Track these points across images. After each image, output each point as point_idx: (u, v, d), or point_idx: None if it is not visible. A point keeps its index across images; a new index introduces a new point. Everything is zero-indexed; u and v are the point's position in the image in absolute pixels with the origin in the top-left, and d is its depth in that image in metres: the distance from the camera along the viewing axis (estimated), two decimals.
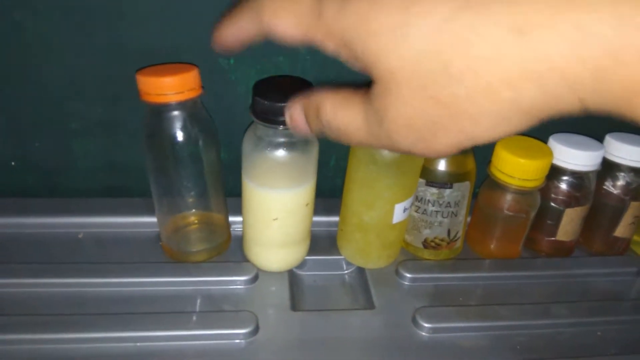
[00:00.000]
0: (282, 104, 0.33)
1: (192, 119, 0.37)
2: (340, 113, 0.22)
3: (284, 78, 0.39)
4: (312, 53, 0.44)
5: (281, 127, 0.35)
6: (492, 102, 0.17)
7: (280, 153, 0.37)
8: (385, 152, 0.37)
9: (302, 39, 0.22)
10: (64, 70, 0.43)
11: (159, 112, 0.37)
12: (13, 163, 0.47)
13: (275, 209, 0.38)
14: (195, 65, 0.37)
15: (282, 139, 0.36)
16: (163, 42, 0.42)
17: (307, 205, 0.39)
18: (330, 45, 0.21)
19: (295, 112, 0.24)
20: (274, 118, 0.34)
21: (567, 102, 0.16)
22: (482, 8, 0.16)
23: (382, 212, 0.39)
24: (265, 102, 0.34)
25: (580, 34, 0.15)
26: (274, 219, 0.38)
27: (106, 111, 0.45)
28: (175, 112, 0.37)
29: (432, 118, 0.18)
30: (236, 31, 0.25)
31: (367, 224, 0.40)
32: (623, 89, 0.15)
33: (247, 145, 0.38)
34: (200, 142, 0.38)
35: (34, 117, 0.45)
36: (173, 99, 0.35)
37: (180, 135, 0.37)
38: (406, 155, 0.37)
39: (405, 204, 0.39)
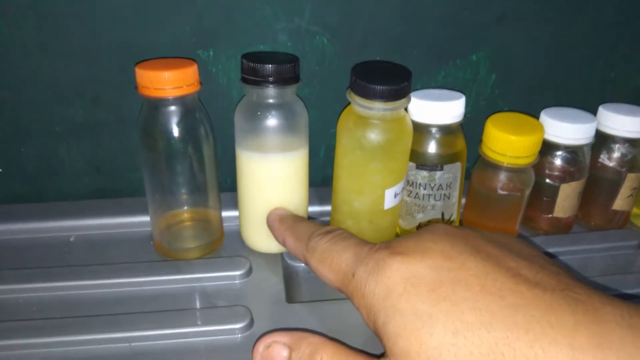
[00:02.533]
0: (268, 65, 0.35)
1: (189, 114, 0.37)
2: None
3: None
4: (292, 40, 0.43)
5: (270, 86, 0.36)
6: None
7: (270, 116, 0.37)
8: (372, 137, 0.36)
9: (338, 288, 0.28)
10: (43, 75, 0.42)
11: (157, 106, 0.36)
12: (0, 170, 0.47)
13: (269, 175, 0.38)
14: (193, 60, 0.37)
15: (270, 100, 0.37)
16: (140, 38, 0.42)
17: (299, 173, 0.39)
18: (356, 301, 0.24)
19: (275, 352, 0.26)
20: (262, 79, 0.36)
21: None
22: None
23: (373, 198, 0.38)
24: (251, 64, 0.35)
25: None
26: (267, 186, 0.39)
27: (88, 113, 0.45)
28: (173, 107, 0.36)
29: None
30: (284, 244, 0.35)
31: (358, 211, 0.39)
32: None
33: (238, 114, 0.38)
34: (197, 138, 0.38)
35: (18, 123, 0.45)
36: (171, 93, 0.35)
37: (176, 131, 0.37)
38: (393, 139, 0.37)
39: (396, 189, 0.38)
